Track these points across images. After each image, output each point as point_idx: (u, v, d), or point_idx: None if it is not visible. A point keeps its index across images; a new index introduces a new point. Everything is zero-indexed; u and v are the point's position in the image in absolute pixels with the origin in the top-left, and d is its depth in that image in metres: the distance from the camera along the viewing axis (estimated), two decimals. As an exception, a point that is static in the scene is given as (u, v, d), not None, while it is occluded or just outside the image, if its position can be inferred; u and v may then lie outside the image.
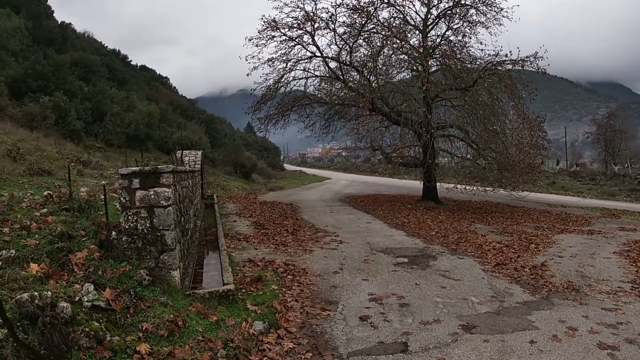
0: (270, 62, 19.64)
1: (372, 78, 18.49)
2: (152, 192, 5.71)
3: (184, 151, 17.87)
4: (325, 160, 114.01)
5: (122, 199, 5.77)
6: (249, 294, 6.32)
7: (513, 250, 10.06)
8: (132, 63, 49.63)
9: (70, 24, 37.70)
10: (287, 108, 21.09)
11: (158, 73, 58.15)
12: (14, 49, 21.72)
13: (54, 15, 31.83)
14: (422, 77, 17.06)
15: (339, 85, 20.27)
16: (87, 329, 3.78)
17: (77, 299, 4.17)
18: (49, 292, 3.82)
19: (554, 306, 6.14)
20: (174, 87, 60.70)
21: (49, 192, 7.39)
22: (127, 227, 5.67)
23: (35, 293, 3.70)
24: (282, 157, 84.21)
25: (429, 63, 18.27)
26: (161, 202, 5.69)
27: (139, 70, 51.65)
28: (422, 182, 20.85)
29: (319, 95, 21.04)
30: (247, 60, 19.20)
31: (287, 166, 77.06)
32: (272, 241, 10.61)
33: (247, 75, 19.87)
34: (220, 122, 48.81)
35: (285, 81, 20.24)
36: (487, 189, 18.88)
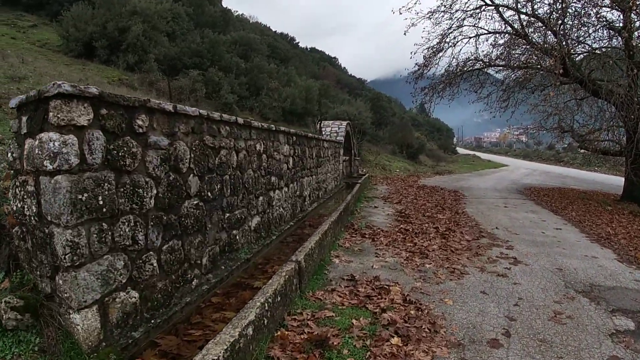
0: (431, 16, 15.41)
1: (560, 38, 13.14)
2: (37, 142, 2.45)
3: (324, 122, 14.91)
4: (502, 145, 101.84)
5: (9, 154, 2.70)
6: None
7: None
8: (299, 45, 49.00)
9: (242, 14, 38.52)
10: (455, 74, 16.39)
11: (327, 54, 57.12)
12: (168, 30, 21.41)
13: (221, 3, 32.15)
14: (629, 27, 11.80)
15: (519, 43, 14.98)
16: None
17: None
18: None
19: None
20: (344, 68, 58.86)
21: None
22: (14, 208, 2.80)
23: None
24: (455, 139, 76.76)
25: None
26: (45, 162, 2.34)
27: (309, 52, 50.77)
28: (624, 177, 14.96)
29: (494, 57, 15.82)
30: (400, 12, 15.35)
31: (460, 150, 69.56)
32: (408, 245, 6.82)
33: (404, 33, 15.92)
34: (389, 100, 44.90)
35: (451, 41, 15.67)
36: None
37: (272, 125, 6.12)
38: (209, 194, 3.96)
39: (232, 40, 25.73)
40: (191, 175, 3.66)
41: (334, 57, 59.10)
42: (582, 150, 19.38)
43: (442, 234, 7.68)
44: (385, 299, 4.28)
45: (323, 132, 13.95)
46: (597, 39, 14.56)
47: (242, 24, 34.47)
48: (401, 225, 8.35)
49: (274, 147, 6.00)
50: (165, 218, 3.30)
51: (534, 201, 13.93)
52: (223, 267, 4.17)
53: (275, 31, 45.04)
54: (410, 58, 16.66)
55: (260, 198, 5.43)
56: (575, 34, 13.74)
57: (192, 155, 3.65)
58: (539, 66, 13.92)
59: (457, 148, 68.00)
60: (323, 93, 28.67)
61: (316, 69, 41.39)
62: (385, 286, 4.66)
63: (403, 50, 16.36)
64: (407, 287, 4.71)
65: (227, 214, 4.36)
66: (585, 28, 13.67)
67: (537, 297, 4.64)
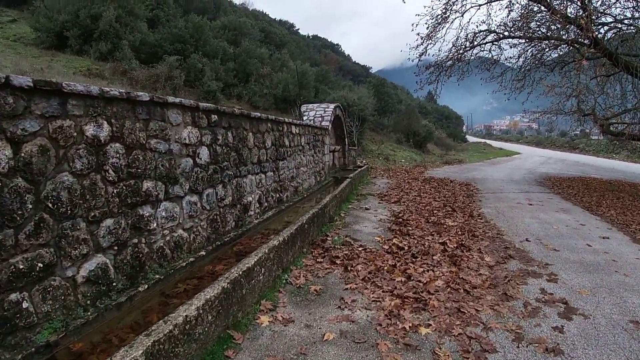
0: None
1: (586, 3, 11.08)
2: None
3: (306, 105, 12.57)
4: (513, 132, 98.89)
5: None
6: None
7: None
8: (300, 32, 46.09)
9: (242, 2, 36.12)
10: (464, 48, 13.88)
11: (330, 41, 53.89)
12: (149, 15, 19.68)
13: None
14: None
15: (538, 10, 12.56)
16: None
17: None
18: None
19: None
20: (347, 54, 55.60)
21: None
22: None
23: None
24: (464, 127, 73.53)
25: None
26: None
27: (310, 39, 47.79)
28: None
29: (510, 25, 13.37)
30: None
31: (470, 138, 66.43)
32: (397, 280, 4.39)
33: (403, 1, 13.37)
34: (395, 87, 41.96)
35: (459, 9, 13.22)
36: None
37: (142, 93, 3.54)
38: None
39: (221, 25, 23.29)
40: None
41: (337, 44, 55.88)
42: (609, 136, 17.04)
43: (451, 255, 5.23)
44: None
45: (304, 118, 11.48)
46: (622, 7, 12.28)
47: (234, 9, 31.92)
48: (394, 240, 5.93)
49: (149, 130, 3.56)
50: None
51: (560, 195, 11.59)
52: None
53: (275, 18, 42.36)
54: (412, 30, 14.05)
55: (108, 222, 3.02)
56: (599, 2, 11.75)
57: None
58: (563, 37, 11.78)
59: (467, 136, 65.03)
60: (321, 79, 26.05)
61: (316, 55, 38.60)
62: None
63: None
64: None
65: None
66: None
67: None
